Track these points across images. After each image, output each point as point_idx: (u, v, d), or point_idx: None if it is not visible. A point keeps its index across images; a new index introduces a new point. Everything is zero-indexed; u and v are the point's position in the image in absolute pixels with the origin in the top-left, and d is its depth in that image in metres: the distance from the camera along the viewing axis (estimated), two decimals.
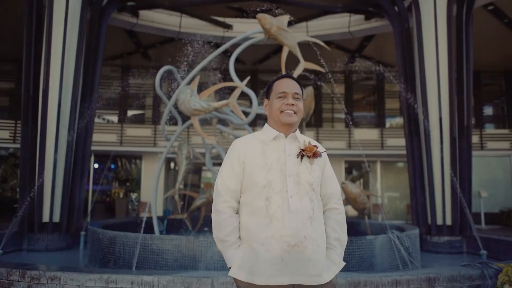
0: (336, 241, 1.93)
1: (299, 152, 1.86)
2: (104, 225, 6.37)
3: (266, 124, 1.98)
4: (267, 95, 2.00)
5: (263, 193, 1.80)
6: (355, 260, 4.54)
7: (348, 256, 4.47)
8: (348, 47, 14.56)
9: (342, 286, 3.42)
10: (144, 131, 16.03)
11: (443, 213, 7.85)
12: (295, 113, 1.88)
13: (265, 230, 1.78)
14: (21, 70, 14.97)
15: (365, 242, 4.64)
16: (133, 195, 17.55)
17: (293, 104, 1.87)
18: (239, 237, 1.85)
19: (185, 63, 7.49)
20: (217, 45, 11.87)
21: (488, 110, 18.56)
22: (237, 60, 7.18)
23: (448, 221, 7.84)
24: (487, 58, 15.71)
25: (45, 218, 7.29)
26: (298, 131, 1.97)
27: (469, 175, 8.07)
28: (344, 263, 1.94)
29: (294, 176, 1.81)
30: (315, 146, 1.89)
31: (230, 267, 1.84)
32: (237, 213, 1.89)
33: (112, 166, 18.18)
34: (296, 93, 1.91)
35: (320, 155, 1.91)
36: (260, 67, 16.72)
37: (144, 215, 15.61)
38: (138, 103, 16.79)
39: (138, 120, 17.38)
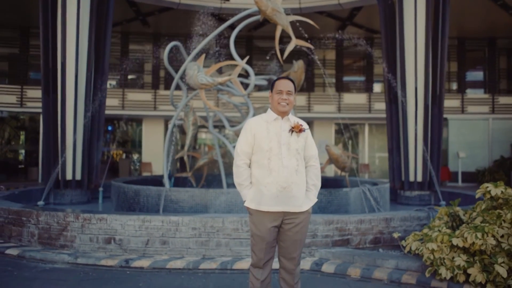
0: (312, 186, 3.01)
1: (290, 129, 2.89)
2: (122, 182, 7.45)
3: (269, 109, 3.00)
4: (271, 89, 2.99)
5: (266, 155, 2.86)
6: (333, 208, 5.72)
7: (327, 204, 5.64)
8: (339, 15, 15.24)
9: (319, 224, 4.58)
10: (145, 96, 16.84)
11: (415, 171, 9.06)
12: (287, 104, 2.89)
13: (267, 178, 2.85)
14: (24, 36, 15.47)
15: (341, 193, 5.80)
16: (135, 156, 18.63)
17: (286, 99, 2.88)
18: (251, 182, 2.92)
19: (185, 34, 8.23)
20: (215, 16, 12.51)
21: (470, 76, 19.53)
22: (233, 27, 7.88)
23: (419, 178, 9.06)
24: (471, 26, 16.49)
25: (69, 176, 8.34)
26: (290, 114, 2.99)
27: (439, 138, 9.20)
28: (316, 199, 3.03)
29: (286, 144, 2.86)
30: (301, 125, 2.92)
31: (245, 201, 2.93)
32: (249, 167, 2.95)
33: (109, 128, 19.04)
34: (289, 91, 2.91)
35: (304, 131, 2.93)
36: (255, 33, 17.31)
37: (146, 174, 16.71)
38: (138, 69, 17.46)
39: (138, 85, 18.12)
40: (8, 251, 4.89)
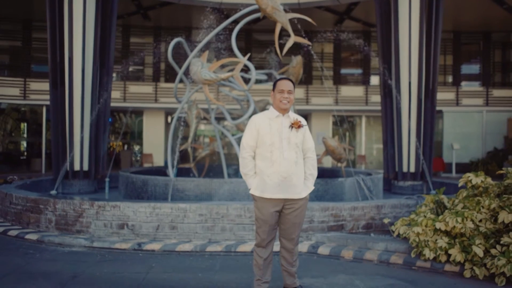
0: (309, 175, 3.39)
1: (290, 125, 3.26)
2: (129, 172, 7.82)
3: (271, 107, 3.37)
4: (273, 89, 3.35)
5: (269, 148, 3.23)
6: (329, 196, 6.11)
7: (324, 192, 6.03)
8: (336, 9, 15.52)
9: (316, 210, 4.97)
10: (146, 88, 17.14)
11: (408, 163, 9.47)
12: (288, 102, 3.25)
13: (270, 169, 3.23)
14: (26, 29, 15.70)
15: (337, 182, 6.20)
16: (136, 148, 18.97)
17: (287, 97, 3.24)
18: (255, 172, 3.30)
19: (186, 27, 8.55)
20: (214, 9, 12.77)
21: (465, 69, 19.87)
22: (234, 21, 8.19)
23: (412, 169, 9.48)
24: (467, 20, 16.81)
25: (77, 167, 8.70)
26: (290, 112, 3.35)
27: (431, 131, 9.59)
28: (313, 187, 3.41)
29: (287, 139, 3.23)
30: (299, 121, 3.29)
31: (250, 189, 3.31)
32: (253, 159, 3.32)
33: (109, 120, 19.30)
34: (290, 90, 3.27)
35: (302, 127, 3.30)
36: (254, 26, 17.56)
37: (147, 165, 17.07)
38: (139, 61, 17.72)
39: (139, 78, 18.40)
40: (27, 236, 5.28)
